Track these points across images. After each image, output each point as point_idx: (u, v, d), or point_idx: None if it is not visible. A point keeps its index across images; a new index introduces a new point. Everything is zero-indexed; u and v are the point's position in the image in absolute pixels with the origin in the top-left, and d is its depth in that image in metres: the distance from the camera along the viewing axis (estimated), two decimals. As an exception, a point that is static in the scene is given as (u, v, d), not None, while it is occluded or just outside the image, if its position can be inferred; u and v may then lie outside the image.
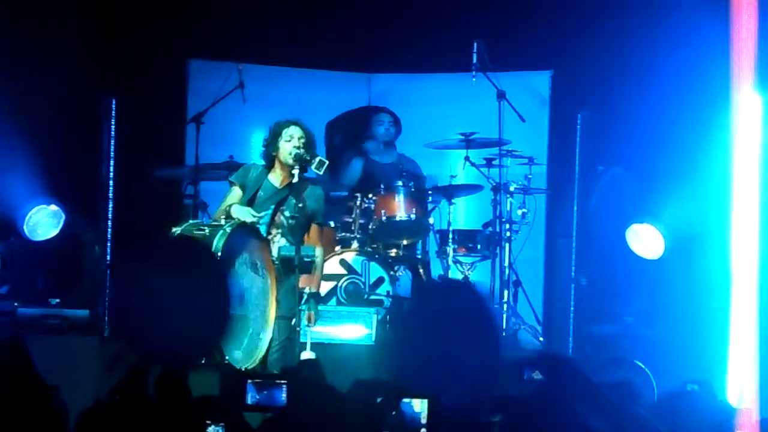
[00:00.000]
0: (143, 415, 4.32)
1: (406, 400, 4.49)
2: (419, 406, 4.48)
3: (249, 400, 4.55)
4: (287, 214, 8.16)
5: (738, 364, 8.59)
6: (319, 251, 8.34)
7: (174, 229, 7.85)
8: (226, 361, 7.44)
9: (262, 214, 8.16)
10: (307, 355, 7.86)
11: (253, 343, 7.84)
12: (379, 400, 4.50)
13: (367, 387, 4.72)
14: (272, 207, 8.24)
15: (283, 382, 4.57)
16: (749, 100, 8.89)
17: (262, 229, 8.11)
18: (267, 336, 7.89)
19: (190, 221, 8.34)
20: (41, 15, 10.02)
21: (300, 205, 8.08)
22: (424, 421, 4.48)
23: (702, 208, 9.39)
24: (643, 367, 8.35)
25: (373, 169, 10.40)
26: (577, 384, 4.65)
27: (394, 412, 4.44)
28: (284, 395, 4.53)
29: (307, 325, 8.09)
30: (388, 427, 4.44)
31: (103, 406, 4.54)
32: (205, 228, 7.75)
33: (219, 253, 7.51)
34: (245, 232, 7.86)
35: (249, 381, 4.53)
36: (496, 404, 4.72)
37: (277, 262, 7.97)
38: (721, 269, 9.13)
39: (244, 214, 8.03)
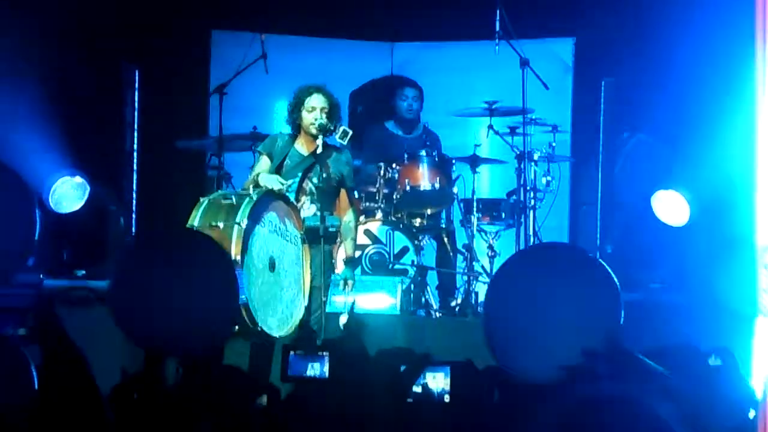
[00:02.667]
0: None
1: (429, 368, 4.50)
2: (443, 374, 4.49)
3: (291, 371, 4.57)
4: (315, 181, 8.16)
5: (763, 333, 8.56)
6: (351, 215, 8.35)
7: (202, 199, 7.87)
8: (260, 329, 7.46)
9: (289, 181, 8.17)
10: (344, 318, 7.88)
11: (288, 310, 7.85)
12: (403, 368, 4.51)
13: (390, 356, 4.73)
14: (299, 174, 8.24)
15: (325, 353, 4.58)
16: (774, 64, 8.83)
17: (291, 196, 8.12)
18: (302, 304, 7.91)
19: (218, 191, 8.36)
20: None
21: (324, 175, 8.08)
22: (447, 388, 4.49)
23: (727, 173, 9.34)
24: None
25: (396, 142, 10.39)
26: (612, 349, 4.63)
27: (418, 381, 4.45)
28: (326, 367, 4.54)
29: (344, 291, 8.13)
30: (412, 394, 4.46)
31: (129, 377, 4.56)
32: (233, 197, 7.76)
33: (246, 220, 7.53)
34: (273, 199, 7.87)
35: (292, 352, 4.54)
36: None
37: (301, 232, 7.98)
38: (748, 235, 9.09)
39: (272, 182, 8.03)
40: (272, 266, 7.77)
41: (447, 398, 4.51)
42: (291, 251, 7.91)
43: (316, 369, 4.55)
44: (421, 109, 10.57)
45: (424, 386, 4.49)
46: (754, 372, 8.07)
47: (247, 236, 7.53)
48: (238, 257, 7.45)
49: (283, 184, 8.04)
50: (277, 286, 7.78)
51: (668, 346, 5.23)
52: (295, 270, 7.93)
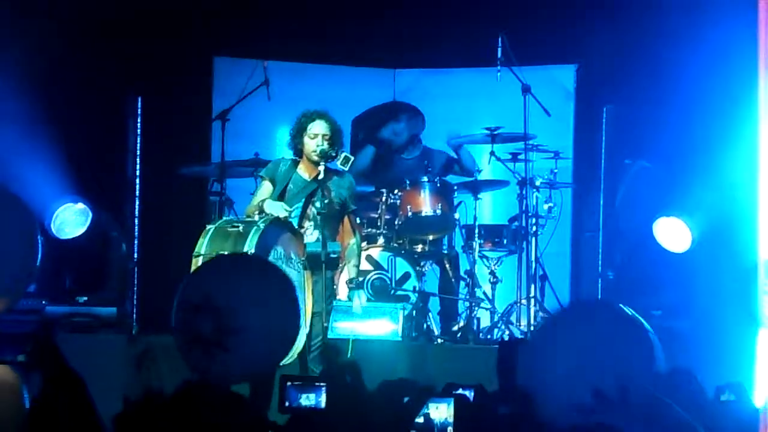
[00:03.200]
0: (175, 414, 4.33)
1: (432, 399, 4.48)
2: (443, 407, 4.47)
3: (289, 401, 4.55)
4: (317, 206, 8.15)
5: (765, 360, 8.55)
6: (354, 240, 8.35)
7: (208, 226, 7.86)
8: None
9: (293, 208, 8.17)
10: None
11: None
12: (406, 399, 4.49)
13: (393, 387, 4.71)
14: (303, 200, 8.24)
15: (322, 384, 4.56)
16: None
17: (294, 222, 8.11)
18: (304, 331, 7.89)
19: (225, 218, 8.35)
20: (67, 13, 10.05)
21: (326, 200, 8.08)
22: (450, 420, 4.47)
23: (729, 200, 9.34)
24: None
25: (395, 165, 10.41)
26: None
27: (421, 412, 4.43)
28: (323, 397, 4.52)
29: (355, 310, 8.13)
30: (415, 427, 4.43)
31: (133, 405, 4.55)
32: (239, 225, 7.76)
33: (253, 250, 7.52)
34: (279, 227, 7.86)
35: (288, 383, 4.52)
36: (516, 395, 4.71)
37: (303, 258, 7.98)
38: (749, 262, 9.09)
39: (277, 209, 8.03)
40: (277, 295, 7.75)
41: (450, 430, 4.50)
42: (294, 277, 7.91)
43: (313, 400, 4.53)
44: (419, 129, 10.56)
45: (426, 416, 4.47)
46: (757, 393, 8.06)
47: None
48: None
49: (288, 211, 8.04)
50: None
51: (676, 379, 5.22)
52: (299, 297, 7.91)
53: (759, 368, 8.59)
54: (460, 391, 4.71)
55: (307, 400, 4.56)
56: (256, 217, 7.85)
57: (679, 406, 4.54)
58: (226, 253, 7.53)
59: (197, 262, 7.67)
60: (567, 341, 5.02)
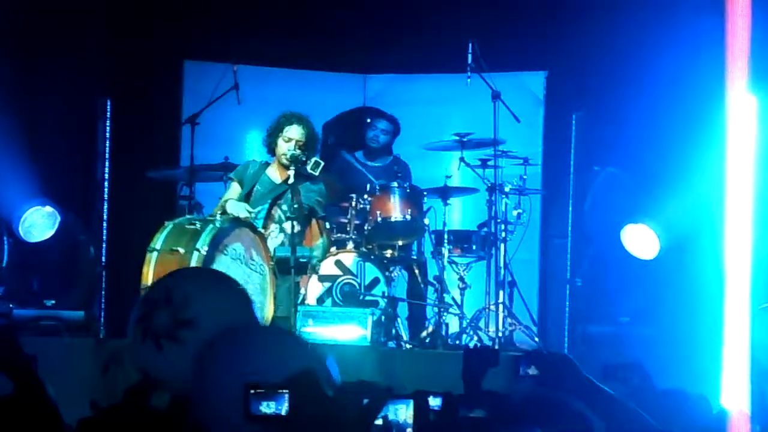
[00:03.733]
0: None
1: (391, 402, 4.47)
2: (406, 407, 4.46)
3: (251, 409, 4.53)
4: (284, 209, 8.14)
5: (731, 366, 8.58)
6: (321, 240, 8.31)
7: (166, 222, 7.85)
8: None
9: (258, 209, 8.15)
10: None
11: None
12: (365, 401, 4.49)
13: (353, 388, 4.71)
14: (269, 201, 8.23)
15: (284, 391, 4.55)
16: (743, 101, 8.90)
17: (258, 224, 8.09)
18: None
19: (186, 216, 8.33)
20: (36, 16, 10.02)
21: (295, 205, 8.07)
22: (410, 421, 4.47)
23: (697, 208, 9.39)
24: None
25: (366, 173, 10.41)
26: (573, 380, 4.66)
27: (380, 414, 4.43)
28: (286, 405, 4.50)
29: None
30: (374, 428, 4.43)
31: (100, 410, 4.53)
32: (197, 222, 7.75)
33: (206, 247, 7.49)
34: (238, 226, 7.83)
35: (252, 391, 4.50)
36: (481, 400, 4.72)
37: (272, 263, 7.96)
38: (715, 269, 9.13)
39: (239, 209, 8.02)
40: (235, 297, 7.73)
41: (409, 431, 4.50)
42: (256, 280, 7.88)
43: (275, 407, 4.51)
44: (390, 143, 10.58)
45: (385, 418, 4.46)
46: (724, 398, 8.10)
47: (207, 263, 7.49)
48: None
49: (250, 212, 8.02)
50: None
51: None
52: (258, 299, 7.89)
53: (725, 374, 8.62)
54: (431, 398, 4.71)
55: (268, 408, 4.54)
56: (218, 217, 7.83)
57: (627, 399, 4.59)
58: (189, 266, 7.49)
59: (150, 258, 7.66)
60: None
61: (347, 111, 11.21)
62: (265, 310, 7.90)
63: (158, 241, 7.70)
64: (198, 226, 7.69)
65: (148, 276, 7.66)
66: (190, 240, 7.58)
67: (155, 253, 7.66)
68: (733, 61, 8.47)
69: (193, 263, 7.44)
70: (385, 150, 10.58)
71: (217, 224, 7.70)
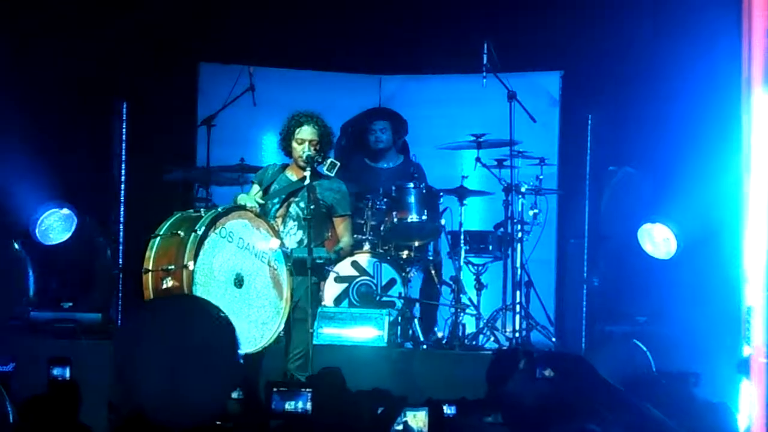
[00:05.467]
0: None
1: (407, 409, 4.49)
2: (420, 416, 4.48)
3: (274, 407, 4.56)
4: (301, 206, 8.13)
5: (752, 366, 8.56)
6: (345, 241, 8.29)
7: (175, 212, 7.89)
8: None
9: (269, 202, 8.15)
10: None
11: (257, 331, 7.81)
12: (380, 410, 4.51)
13: (367, 397, 4.73)
14: (283, 196, 8.21)
15: (308, 390, 4.57)
16: (761, 100, 8.88)
17: (271, 218, 8.10)
18: (274, 328, 7.86)
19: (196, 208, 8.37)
20: (54, 18, 10.05)
21: (312, 206, 8.05)
22: (425, 430, 4.48)
23: (714, 207, 9.37)
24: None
25: (373, 174, 10.40)
26: (590, 382, 4.65)
27: (399, 420, 4.44)
28: (309, 403, 4.53)
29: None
30: None
31: (118, 412, 4.55)
32: (202, 210, 7.80)
33: (203, 228, 7.52)
34: (244, 216, 7.83)
35: (274, 389, 4.53)
36: (496, 405, 4.72)
37: (290, 264, 7.95)
38: (734, 269, 9.11)
39: (247, 200, 8.04)
40: (239, 283, 7.74)
41: None
42: (266, 273, 7.87)
43: (298, 405, 4.53)
44: (397, 138, 10.56)
45: (405, 424, 4.48)
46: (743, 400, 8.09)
47: (203, 245, 7.53)
48: (190, 264, 7.45)
49: (256, 203, 8.02)
50: (243, 304, 7.75)
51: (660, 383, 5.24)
52: (269, 293, 7.88)
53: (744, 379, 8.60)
54: (445, 407, 4.72)
55: (291, 405, 4.57)
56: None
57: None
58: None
59: (153, 243, 7.72)
60: None
61: (362, 112, 11.20)
62: (280, 307, 7.88)
63: (163, 228, 7.78)
64: (202, 212, 7.75)
65: (150, 260, 7.71)
66: (191, 224, 7.63)
67: (158, 238, 7.72)
68: (750, 60, 8.45)
69: (189, 244, 7.49)
70: (391, 149, 10.55)
71: (219, 209, 7.75)
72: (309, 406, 4.50)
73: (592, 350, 9.39)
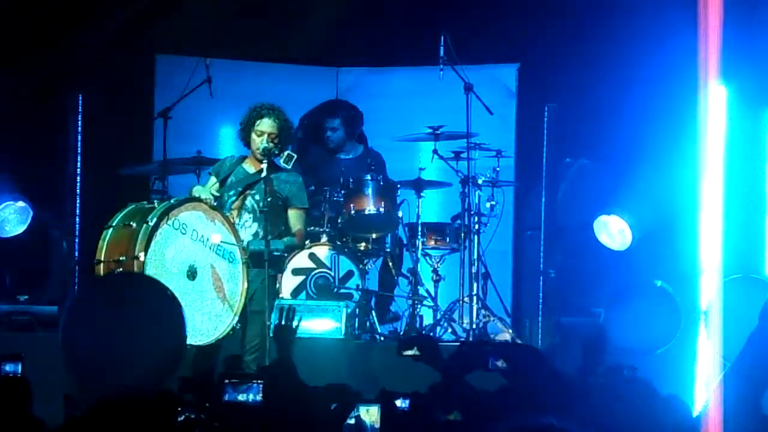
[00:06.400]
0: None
1: (360, 404, 4.51)
2: (373, 411, 4.50)
3: (226, 398, 4.56)
4: (257, 198, 8.13)
5: (704, 360, 8.65)
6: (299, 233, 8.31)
7: (128, 204, 7.89)
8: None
9: (224, 194, 8.16)
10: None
11: (210, 323, 7.81)
12: (333, 406, 4.53)
13: (321, 393, 4.74)
14: (239, 189, 8.22)
15: (259, 381, 4.59)
16: (714, 91, 8.95)
17: (227, 210, 8.10)
18: (228, 321, 7.87)
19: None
20: (8, 7, 9.99)
21: (269, 198, 8.05)
22: (377, 425, 4.50)
23: (669, 199, 9.43)
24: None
25: (333, 164, 10.40)
26: (541, 372, 4.67)
27: (352, 415, 4.46)
28: (260, 395, 4.54)
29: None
30: (345, 429, 4.46)
31: (75, 405, 4.54)
32: (155, 202, 7.81)
33: (154, 220, 7.53)
34: (191, 203, 7.83)
35: (226, 381, 4.54)
36: (454, 401, 4.73)
37: (245, 257, 7.96)
38: (689, 260, 9.18)
39: (201, 192, 8.04)
40: (192, 275, 7.74)
41: None
42: (222, 266, 7.87)
43: (249, 396, 4.54)
44: (351, 131, 10.52)
45: (358, 418, 4.50)
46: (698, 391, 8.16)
47: (155, 236, 7.53)
48: (141, 255, 7.46)
49: (210, 195, 8.02)
50: (196, 296, 7.75)
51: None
52: (223, 285, 7.89)
53: (698, 367, 8.68)
54: (399, 401, 4.74)
55: (243, 396, 4.58)
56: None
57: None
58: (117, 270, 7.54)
59: (106, 234, 7.73)
60: None
61: (318, 105, 11.18)
62: (234, 298, 7.89)
63: (116, 219, 7.78)
64: (155, 204, 7.76)
65: (102, 251, 7.72)
66: (144, 215, 7.64)
67: (110, 230, 7.73)
68: (705, 51, 8.51)
69: (140, 235, 7.50)
70: (347, 142, 10.54)
71: (172, 201, 7.75)
72: (260, 397, 4.51)
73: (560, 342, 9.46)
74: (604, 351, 5.53)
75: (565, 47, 10.49)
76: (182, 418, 4.43)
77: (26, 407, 4.86)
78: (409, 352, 5.03)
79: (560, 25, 10.43)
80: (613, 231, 9.94)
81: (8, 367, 5.55)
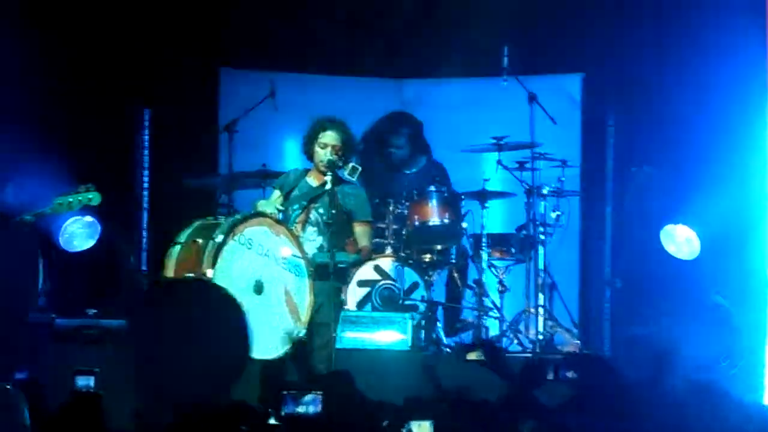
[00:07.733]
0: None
1: (412, 420, 4.51)
2: (428, 425, 4.50)
3: (285, 410, 4.58)
4: (321, 211, 8.15)
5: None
6: (365, 246, 8.33)
7: (194, 220, 7.94)
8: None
9: (289, 209, 8.18)
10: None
11: (276, 336, 7.84)
12: (385, 423, 4.53)
13: (373, 409, 4.75)
14: (304, 203, 8.24)
15: (318, 393, 4.60)
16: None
17: (292, 224, 8.13)
18: (295, 334, 7.90)
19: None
20: (75, 26, 10.09)
21: (333, 211, 8.07)
22: None
23: (737, 207, 9.35)
24: None
25: (397, 179, 10.39)
26: (610, 382, 4.66)
27: (404, 429, 4.47)
28: (320, 406, 4.56)
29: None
30: None
31: (143, 420, 4.58)
32: (221, 218, 7.86)
33: (221, 236, 7.56)
34: (263, 222, 7.86)
35: (285, 392, 4.56)
36: (524, 412, 4.72)
37: (311, 268, 7.98)
38: (758, 269, 9.10)
39: (266, 206, 8.07)
40: (258, 290, 7.77)
41: None
42: (288, 280, 7.89)
43: (309, 409, 4.56)
44: (411, 152, 10.49)
45: None
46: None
47: (222, 252, 7.56)
48: (209, 271, 7.49)
49: (276, 209, 8.05)
50: (263, 311, 7.78)
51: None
52: (294, 299, 7.92)
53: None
54: (416, 423, 4.73)
55: (302, 408, 4.60)
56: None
57: None
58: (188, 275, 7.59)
59: (173, 251, 7.77)
60: None
61: (381, 117, 11.18)
62: (301, 311, 7.92)
63: (183, 236, 7.83)
64: (222, 220, 7.80)
65: (170, 268, 7.77)
66: (210, 232, 7.68)
67: (178, 246, 7.78)
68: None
69: (207, 251, 7.54)
70: (409, 159, 10.52)
71: (238, 216, 7.79)
72: (320, 408, 4.53)
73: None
74: (673, 362, 5.50)
75: (630, 56, 10.44)
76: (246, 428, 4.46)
77: (100, 422, 4.91)
78: (473, 356, 5.02)
79: (625, 35, 10.38)
80: (680, 240, 9.87)
81: (81, 382, 5.61)
